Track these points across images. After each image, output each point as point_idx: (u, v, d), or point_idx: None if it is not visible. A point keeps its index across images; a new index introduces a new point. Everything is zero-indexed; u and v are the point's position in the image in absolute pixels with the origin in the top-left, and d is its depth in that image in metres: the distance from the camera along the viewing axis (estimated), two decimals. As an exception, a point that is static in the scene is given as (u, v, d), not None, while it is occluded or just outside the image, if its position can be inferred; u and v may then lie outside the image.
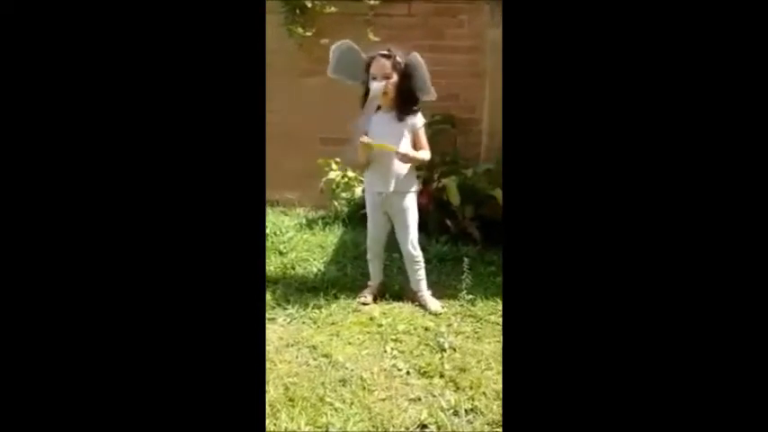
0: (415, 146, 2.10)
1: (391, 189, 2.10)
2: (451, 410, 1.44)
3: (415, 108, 2.09)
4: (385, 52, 2.03)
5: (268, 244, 2.71)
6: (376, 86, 2.01)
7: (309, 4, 3.16)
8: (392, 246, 2.29)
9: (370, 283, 2.24)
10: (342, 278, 2.37)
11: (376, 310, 2.08)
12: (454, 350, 1.76)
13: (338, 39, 3.09)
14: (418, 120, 2.10)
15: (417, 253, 2.16)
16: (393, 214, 2.15)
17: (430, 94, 2.10)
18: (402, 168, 2.09)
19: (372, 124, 2.08)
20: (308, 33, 3.20)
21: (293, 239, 2.81)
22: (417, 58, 2.03)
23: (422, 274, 2.17)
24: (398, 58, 2.02)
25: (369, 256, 2.26)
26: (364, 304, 2.12)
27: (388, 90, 2.02)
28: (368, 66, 2.04)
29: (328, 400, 1.47)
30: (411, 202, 2.14)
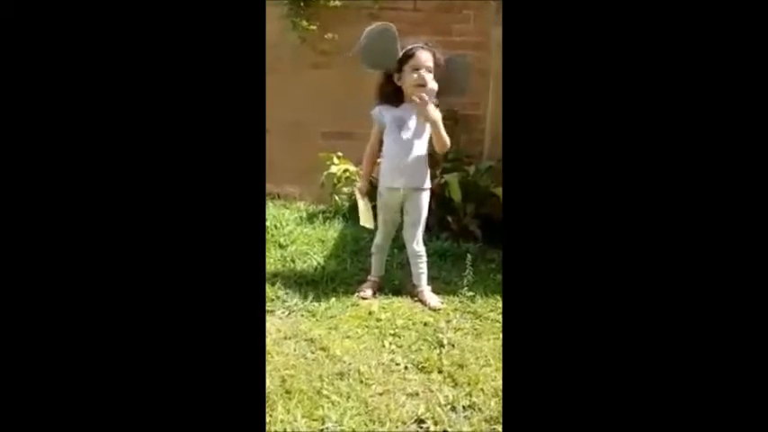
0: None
1: (406, 184, 2.06)
2: (449, 406, 1.43)
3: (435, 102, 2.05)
4: (424, 45, 2.00)
5: (268, 237, 2.70)
6: (433, 85, 1.97)
7: (314, -3, 3.16)
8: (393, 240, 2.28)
9: (370, 277, 2.22)
10: (341, 272, 2.36)
11: (375, 304, 2.06)
12: (453, 346, 1.75)
13: (342, 33, 3.12)
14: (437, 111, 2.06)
15: (421, 249, 2.15)
16: (407, 211, 2.12)
17: (462, 95, 2.12)
18: (416, 162, 2.06)
19: (395, 118, 2.05)
20: (313, 27, 3.18)
21: (293, 233, 2.80)
22: (468, 61, 2.08)
23: (424, 269, 2.16)
24: (438, 55, 2.01)
25: (373, 251, 2.23)
26: (364, 298, 2.11)
27: (427, 83, 1.98)
28: (406, 56, 1.99)
29: (325, 393, 1.46)
30: (425, 201, 2.12)
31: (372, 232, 2.28)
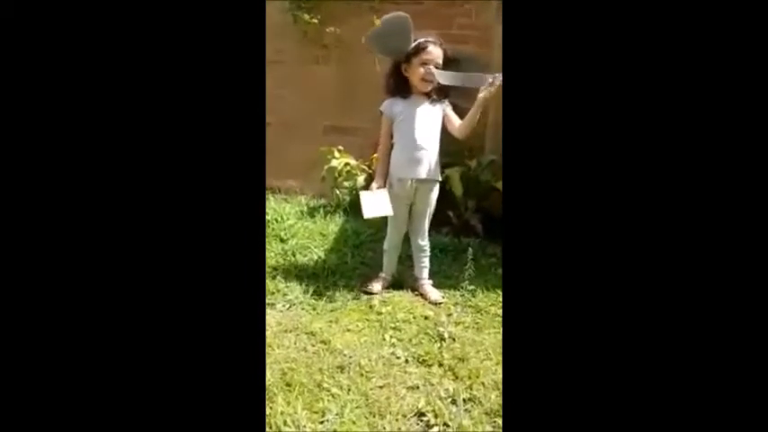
0: (452, 125, 2.08)
1: (417, 176, 2.05)
2: (450, 399, 1.43)
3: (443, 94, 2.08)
4: (433, 40, 2.00)
5: (269, 230, 2.70)
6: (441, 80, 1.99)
7: (315, -10, 3.14)
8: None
9: (382, 274, 2.20)
10: (342, 266, 2.36)
11: (375, 298, 2.07)
12: (453, 340, 1.75)
13: (344, 27, 3.10)
14: (446, 103, 2.10)
15: (426, 243, 2.18)
16: (416, 203, 2.11)
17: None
18: (428, 154, 2.04)
19: (404, 109, 2.04)
20: (314, 20, 3.17)
21: (294, 227, 2.80)
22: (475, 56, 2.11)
23: (426, 263, 2.18)
24: (450, 52, 2.05)
25: (386, 247, 2.21)
26: (371, 293, 2.09)
27: (434, 79, 1.99)
28: (418, 49, 1.99)
29: (326, 386, 1.47)
30: (435, 194, 2.13)
31: (374, 226, 2.28)
